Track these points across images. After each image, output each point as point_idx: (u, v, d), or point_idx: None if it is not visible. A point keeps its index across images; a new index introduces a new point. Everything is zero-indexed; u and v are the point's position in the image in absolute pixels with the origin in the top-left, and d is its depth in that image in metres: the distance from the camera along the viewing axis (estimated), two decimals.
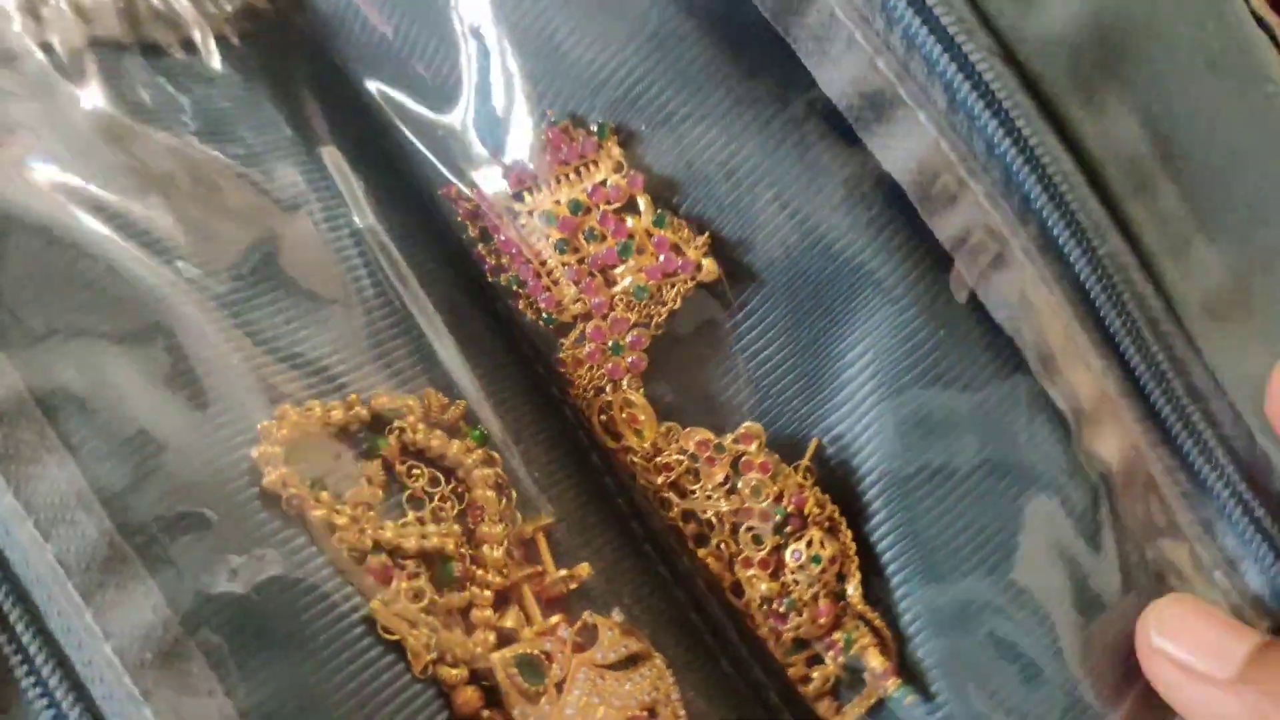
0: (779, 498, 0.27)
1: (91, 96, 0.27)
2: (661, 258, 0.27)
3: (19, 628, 0.22)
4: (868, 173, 0.26)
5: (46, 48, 0.27)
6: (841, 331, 0.27)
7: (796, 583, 0.27)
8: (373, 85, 0.30)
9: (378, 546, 0.26)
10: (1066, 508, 0.26)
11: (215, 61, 0.30)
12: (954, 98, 0.24)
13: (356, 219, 0.29)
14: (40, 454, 0.23)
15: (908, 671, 0.27)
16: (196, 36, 0.30)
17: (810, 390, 0.27)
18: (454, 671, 0.25)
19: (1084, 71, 0.24)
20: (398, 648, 0.25)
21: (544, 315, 0.29)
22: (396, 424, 0.27)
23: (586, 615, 0.27)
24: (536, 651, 0.26)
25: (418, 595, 0.26)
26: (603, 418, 0.29)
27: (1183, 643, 0.25)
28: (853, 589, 0.27)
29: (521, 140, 0.28)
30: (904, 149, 0.25)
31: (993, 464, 0.26)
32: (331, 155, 0.30)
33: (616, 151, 0.28)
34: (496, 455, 0.28)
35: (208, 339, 0.25)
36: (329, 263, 0.28)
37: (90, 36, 0.27)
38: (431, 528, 0.27)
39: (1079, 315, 0.25)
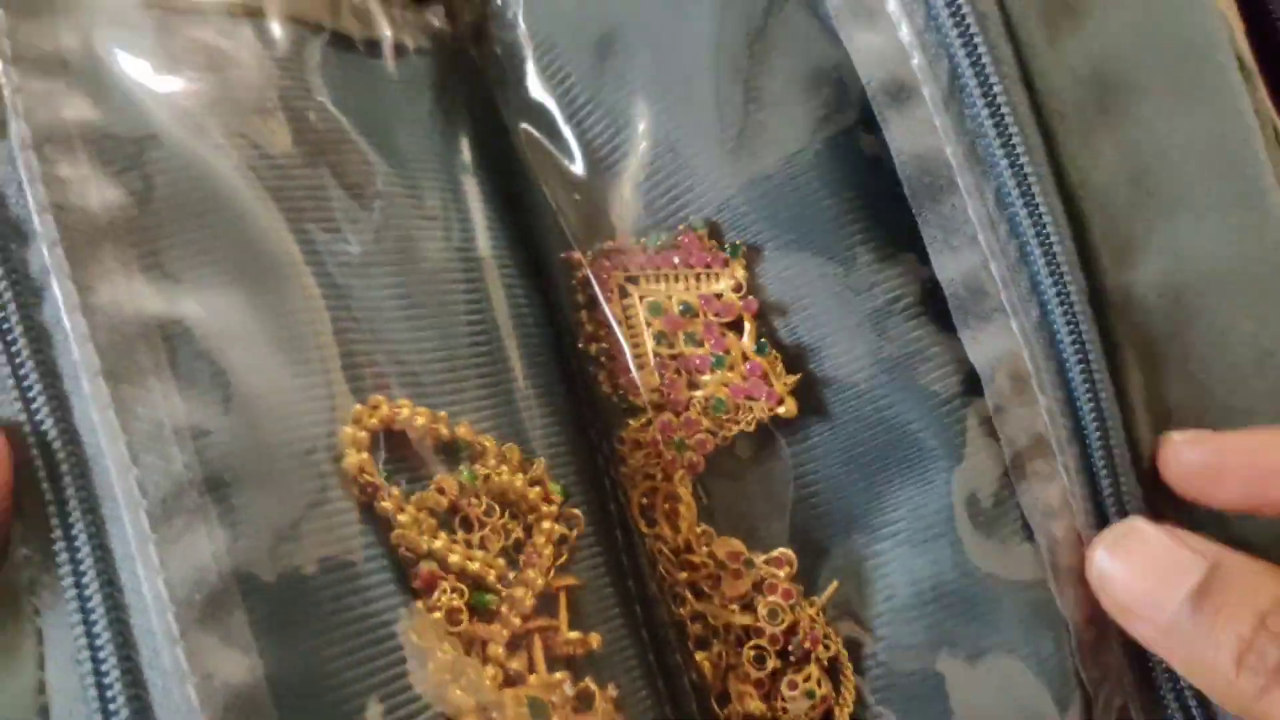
0: (793, 629, 0.29)
1: (275, 66, 0.28)
2: (749, 381, 0.29)
3: (80, 539, 0.23)
4: (950, 360, 0.29)
5: (253, 11, 0.28)
6: (889, 490, 0.29)
7: (786, 710, 0.29)
8: (525, 130, 0.32)
9: (430, 554, 0.27)
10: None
11: (390, 66, 0.31)
12: (1047, 318, 0.27)
13: (480, 248, 0.31)
14: (149, 380, 0.23)
15: None
16: (382, 36, 0.31)
17: (845, 533, 0.29)
18: (463, 697, 0.26)
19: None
20: (419, 655, 0.26)
21: (620, 394, 0.30)
22: (484, 462, 0.28)
23: (588, 681, 0.28)
24: (545, 699, 0.28)
25: (452, 614, 0.27)
26: (644, 501, 0.30)
27: (1134, 569, 0.26)
28: None
29: (657, 230, 0.30)
30: (993, 347, 0.28)
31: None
32: (470, 184, 0.32)
33: (741, 273, 0.30)
34: (576, 513, 0.30)
35: (321, 312, 0.27)
36: (445, 281, 0.30)
37: (290, 13, 0.29)
38: (478, 553, 0.28)
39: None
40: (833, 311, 0.29)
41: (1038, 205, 0.26)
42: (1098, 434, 0.27)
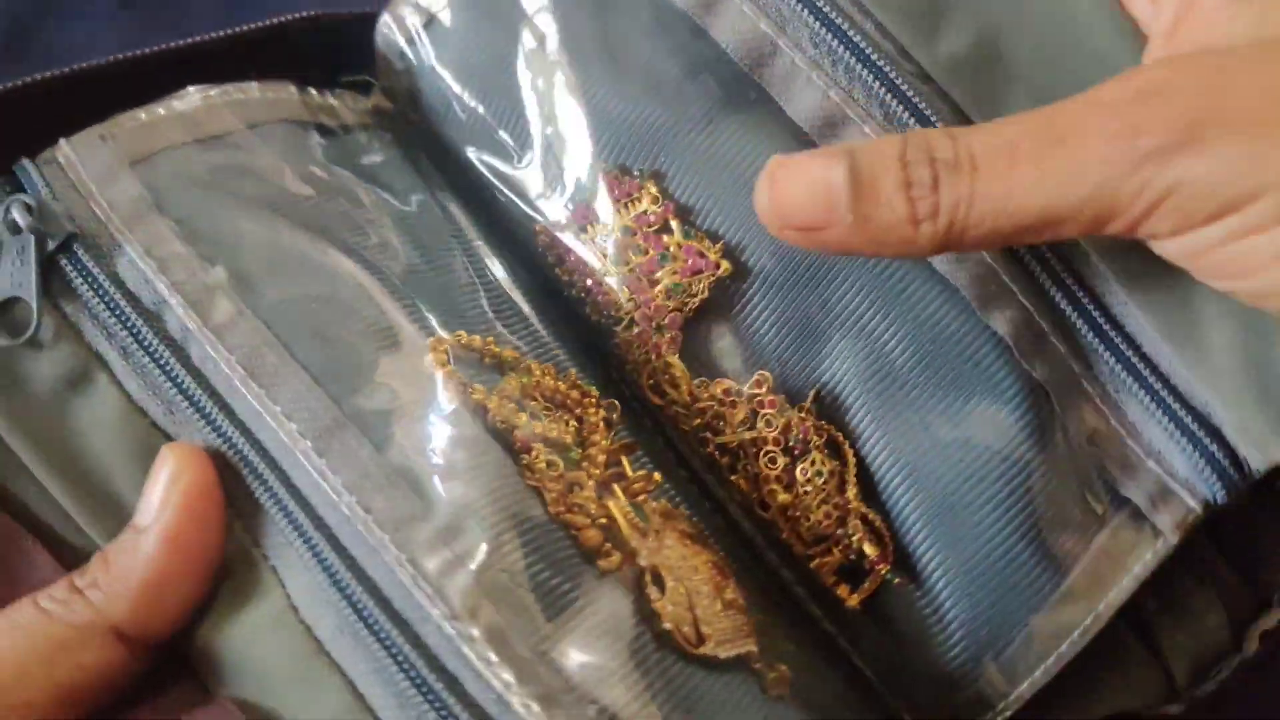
0: (787, 428, 0.36)
1: (285, 156, 0.38)
2: (690, 260, 0.38)
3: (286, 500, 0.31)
4: None
5: (255, 123, 0.38)
6: (826, 314, 0.37)
7: (806, 492, 0.36)
8: (472, 154, 0.41)
9: (520, 426, 0.34)
10: (1014, 416, 0.35)
11: (363, 138, 0.41)
12: (888, 112, 0.35)
13: (470, 236, 0.41)
14: (280, 372, 0.32)
15: (901, 559, 0.36)
16: (348, 122, 0.41)
17: (803, 352, 0.37)
18: (581, 517, 0.32)
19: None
20: (536, 493, 0.32)
21: (605, 314, 0.39)
22: (530, 374, 0.36)
23: (665, 501, 0.36)
24: (644, 502, 0.34)
25: (550, 465, 0.33)
26: (650, 381, 0.39)
27: (795, 191, 0.31)
28: (851, 494, 0.36)
29: (583, 185, 0.39)
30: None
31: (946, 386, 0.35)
32: (449, 198, 0.41)
33: (653, 189, 0.38)
34: (613, 401, 0.38)
35: (373, 284, 0.35)
36: (449, 255, 0.39)
37: (282, 117, 0.39)
38: (557, 425, 0.35)
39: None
40: (725, 190, 0.37)
41: (846, 34, 0.35)
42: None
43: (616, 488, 0.35)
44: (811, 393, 0.37)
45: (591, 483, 0.34)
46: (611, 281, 0.39)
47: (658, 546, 0.33)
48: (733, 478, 0.38)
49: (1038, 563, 0.34)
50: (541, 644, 0.29)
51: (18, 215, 0.32)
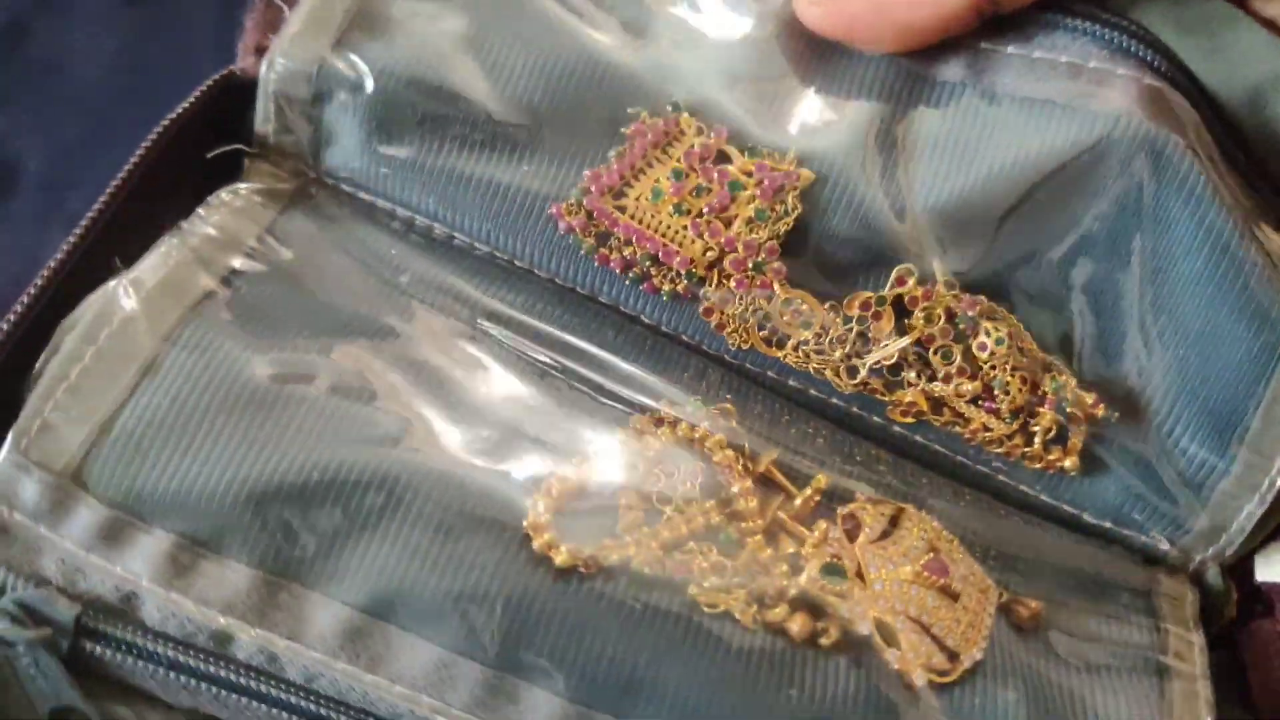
0: (949, 315, 0.32)
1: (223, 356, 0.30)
2: (768, 179, 0.33)
3: None
4: None
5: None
6: None
7: (994, 367, 0.32)
8: (446, 160, 0.33)
9: (666, 549, 0.30)
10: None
11: (321, 195, 0.35)
12: None
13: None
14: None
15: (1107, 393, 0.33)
16: (248, 240, 0.33)
17: (915, 219, 0.32)
18: (777, 610, 0.29)
19: None
20: (725, 616, 0.29)
21: (684, 274, 0.33)
22: (635, 451, 0.31)
23: (840, 510, 0.32)
24: (828, 558, 0.30)
25: (717, 569, 0.30)
26: (763, 332, 0.33)
27: None
28: (1033, 347, 0.32)
29: (602, 143, 0.33)
30: None
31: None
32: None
33: (692, 121, 0.33)
34: (730, 407, 0.33)
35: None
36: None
37: (186, 305, 0.31)
38: (692, 511, 0.30)
39: None
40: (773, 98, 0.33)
41: None
42: None
43: (785, 520, 0.31)
44: (945, 266, 0.33)
45: (765, 555, 0.30)
46: (679, 236, 0.33)
47: (865, 597, 0.30)
48: (896, 394, 0.33)
49: (1255, 332, 0.32)
50: None
51: (6, 627, 0.26)
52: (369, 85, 0.33)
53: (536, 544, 0.29)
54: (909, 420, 0.34)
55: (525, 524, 0.29)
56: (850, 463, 0.33)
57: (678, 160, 0.33)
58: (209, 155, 0.34)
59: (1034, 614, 0.32)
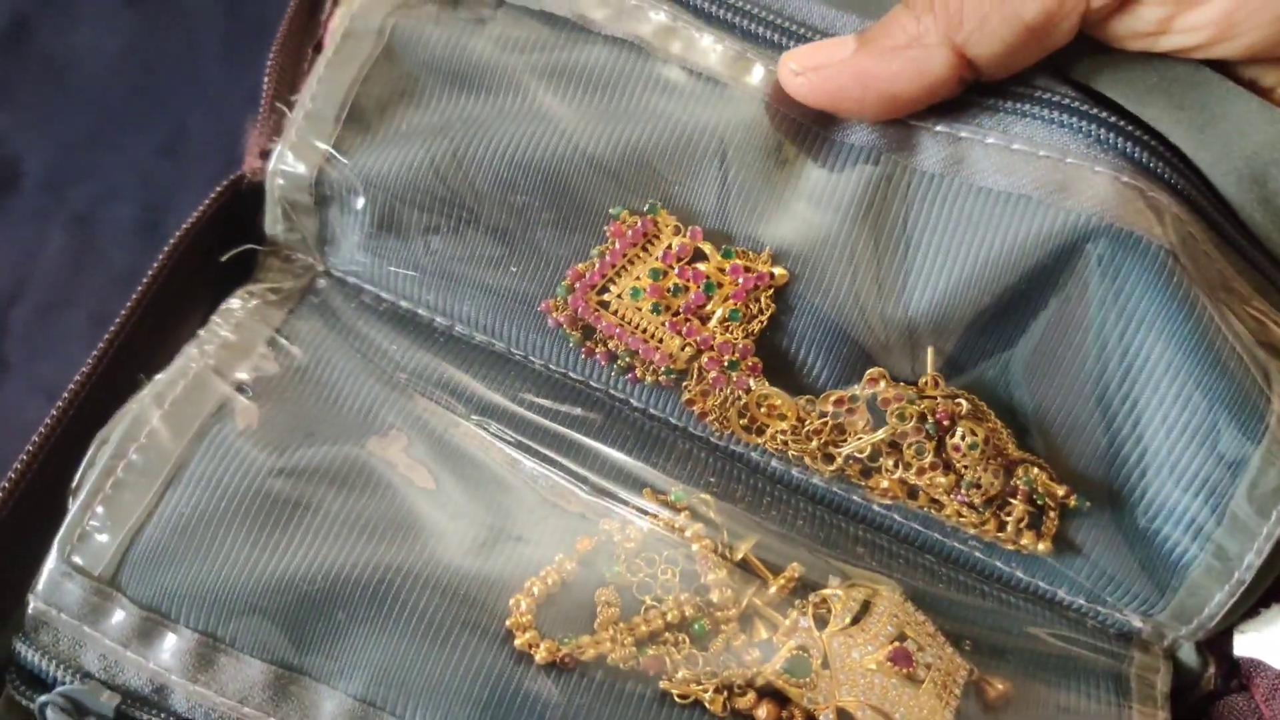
0: (922, 416, 0.33)
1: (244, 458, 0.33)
2: (742, 279, 0.33)
3: None
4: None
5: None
6: (901, 275, 0.33)
7: (967, 466, 0.33)
8: (433, 257, 0.35)
9: (640, 644, 0.32)
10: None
11: (325, 285, 0.37)
12: None
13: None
14: None
15: (1077, 486, 0.33)
16: (257, 347, 0.35)
17: (889, 311, 0.33)
18: (746, 699, 0.31)
19: None
20: (696, 705, 0.31)
21: (662, 370, 0.34)
22: (616, 543, 0.33)
23: (813, 597, 0.33)
24: (793, 652, 0.32)
25: (689, 660, 0.32)
26: (742, 421, 0.34)
27: (807, 55, 0.33)
28: (1011, 448, 0.33)
29: (585, 242, 0.34)
30: None
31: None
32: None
33: (670, 220, 0.34)
34: (709, 497, 0.34)
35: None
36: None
37: (207, 413, 0.33)
38: (668, 604, 0.32)
39: None
40: (754, 196, 0.34)
41: None
42: None
43: (760, 606, 0.33)
44: (929, 353, 0.33)
45: (738, 643, 0.32)
46: (658, 333, 0.34)
47: (830, 685, 0.32)
48: (869, 481, 0.34)
49: (1229, 424, 0.32)
50: None
51: (54, 718, 0.30)
52: (361, 193, 0.34)
53: (518, 642, 0.31)
54: (888, 501, 0.35)
55: (509, 623, 0.31)
56: (829, 544, 0.35)
57: (656, 259, 0.34)
58: (224, 258, 0.36)
59: (1001, 694, 0.33)
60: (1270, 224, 0.33)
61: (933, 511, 0.34)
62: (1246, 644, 0.35)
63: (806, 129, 0.34)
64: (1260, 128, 0.32)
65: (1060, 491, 0.33)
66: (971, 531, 0.34)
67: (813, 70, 0.33)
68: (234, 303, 0.35)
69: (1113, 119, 0.32)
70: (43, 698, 0.30)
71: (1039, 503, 0.33)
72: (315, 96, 0.34)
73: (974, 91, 0.34)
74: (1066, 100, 0.33)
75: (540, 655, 0.31)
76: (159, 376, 0.33)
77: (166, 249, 0.35)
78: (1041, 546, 0.34)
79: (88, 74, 0.55)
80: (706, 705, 0.31)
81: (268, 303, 0.35)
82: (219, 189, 0.36)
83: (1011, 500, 0.34)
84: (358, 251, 0.35)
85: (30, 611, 0.31)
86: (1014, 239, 0.32)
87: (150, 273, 0.35)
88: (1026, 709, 0.33)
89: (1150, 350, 0.32)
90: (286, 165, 0.35)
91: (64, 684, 0.31)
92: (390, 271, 0.35)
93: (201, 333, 0.34)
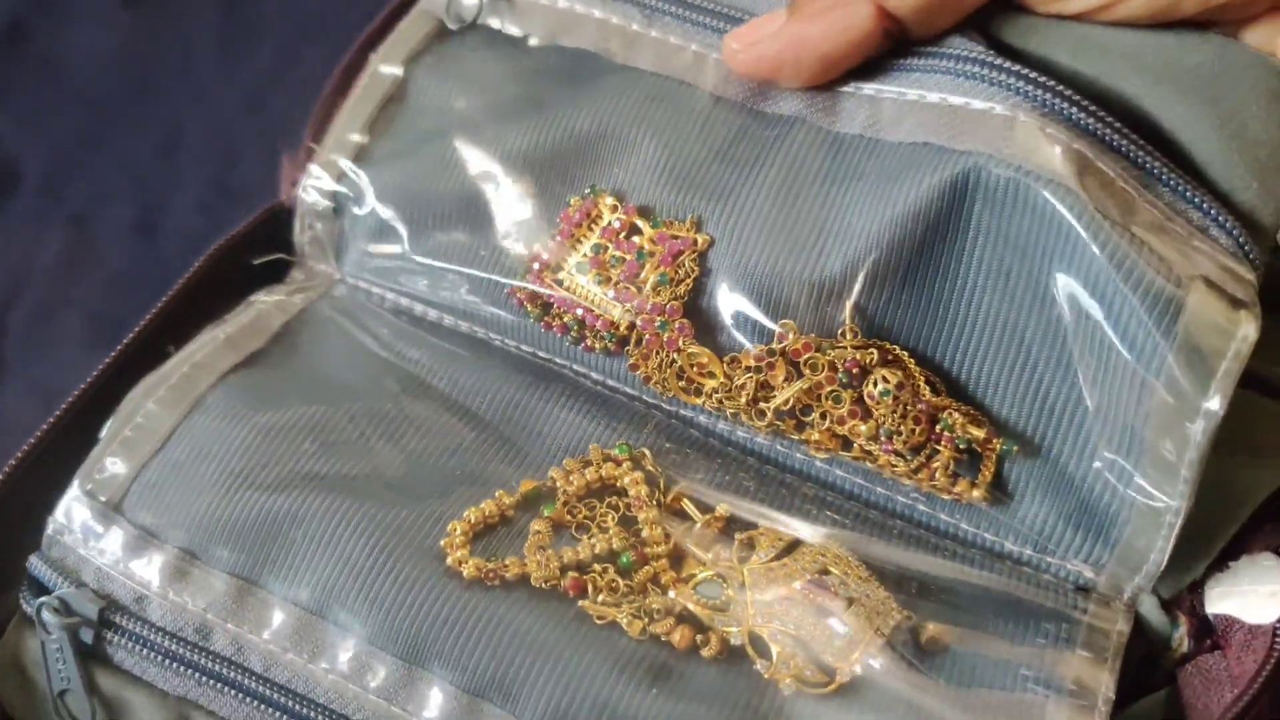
0: (833, 365, 0.34)
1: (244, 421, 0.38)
2: (668, 246, 0.36)
3: None
4: None
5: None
6: (821, 232, 0.35)
7: (884, 413, 0.34)
8: (422, 262, 0.40)
9: (564, 569, 0.34)
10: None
11: (342, 290, 0.42)
12: None
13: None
14: None
15: (1006, 432, 0.33)
16: (273, 327, 0.41)
17: (815, 282, 0.34)
18: (663, 624, 0.33)
19: None
20: (614, 626, 0.33)
21: (605, 336, 0.37)
22: (559, 488, 0.36)
23: (739, 535, 0.34)
24: (712, 577, 0.33)
25: (612, 587, 0.34)
26: (680, 383, 0.36)
27: (745, 33, 0.36)
28: (926, 393, 0.34)
29: (542, 228, 0.38)
30: None
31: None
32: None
33: (608, 200, 0.37)
34: (644, 452, 0.36)
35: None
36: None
37: (221, 371, 0.39)
38: (598, 538, 0.35)
39: None
40: (674, 169, 0.37)
41: None
42: None
43: (689, 544, 0.34)
44: (845, 315, 0.34)
45: (667, 579, 0.34)
46: (601, 302, 0.37)
47: (744, 612, 0.33)
48: (803, 434, 0.35)
49: (1144, 366, 0.31)
50: None
51: (48, 617, 0.34)
52: (369, 201, 0.40)
53: (449, 560, 0.34)
54: (825, 455, 0.35)
55: (442, 543, 0.34)
56: (776, 499, 0.36)
57: (598, 237, 0.37)
58: (257, 261, 0.42)
59: (933, 638, 0.33)
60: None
61: (868, 463, 0.35)
62: (1217, 600, 0.32)
63: (739, 105, 0.36)
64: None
65: (981, 434, 0.33)
66: (907, 483, 0.34)
67: (751, 44, 0.36)
68: (260, 295, 0.41)
69: (1018, 68, 0.33)
70: (39, 600, 0.35)
71: (965, 449, 0.33)
72: (343, 126, 0.41)
73: (896, 54, 0.36)
74: (977, 55, 0.34)
75: (468, 571, 0.34)
76: (184, 348, 0.39)
77: (204, 255, 0.42)
78: (976, 493, 0.34)
79: (84, 75, 0.55)
80: (624, 628, 0.33)
81: (286, 298, 0.41)
82: (260, 212, 0.42)
83: (937, 447, 0.34)
84: (362, 254, 0.41)
85: (48, 531, 0.36)
86: (921, 188, 0.33)
87: (187, 273, 0.41)
88: (966, 655, 0.32)
89: (1059, 285, 0.32)
90: (314, 179, 0.41)
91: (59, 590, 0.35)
92: (386, 268, 0.40)
93: (226, 317, 0.40)
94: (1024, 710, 0.31)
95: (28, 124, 0.56)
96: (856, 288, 0.34)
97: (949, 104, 0.34)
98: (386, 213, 0.40)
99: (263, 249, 0.42)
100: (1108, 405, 0.32)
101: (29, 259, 0.39)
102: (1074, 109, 0.33)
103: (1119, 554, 0.33)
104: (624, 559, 0.34)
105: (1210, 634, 0.33)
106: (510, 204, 0.38)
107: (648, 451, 0.37)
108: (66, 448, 0.37)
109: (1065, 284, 0.32)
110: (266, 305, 0.41)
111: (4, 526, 0.37)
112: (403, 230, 0.40)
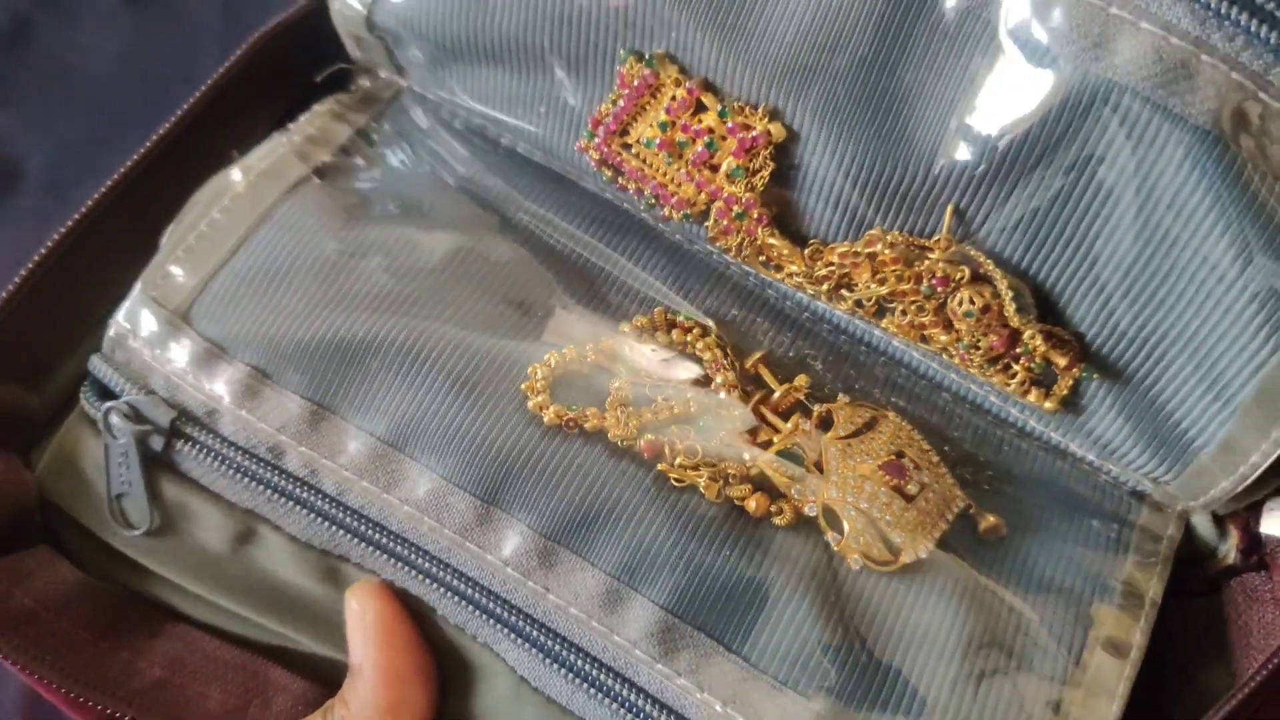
0: (918, 278, 0.33)
1: (312, 231, 0.37)
2: (739, 137, 0.33)
3: None
4: None
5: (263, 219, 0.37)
6: (904, 144, 0.31)
7: (966, 330, 0.33)
8: (468, 97, 0.37)
9: (642, 430, 0.34)
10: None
11: (360, 160, 0.39)
12: None
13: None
14: None
15: (1092, 356, 0.32)
16: (341, 140, 0.39)
17: (899, 170, 0.32)
18: (739, 489, 0.33)
19: None
20: (691, 489, 0.33)
21: (683, 213, 0.35)
22: (629, 342, 0.35)
23: (818, 407, 0.34)
24: (790, 445, 0.34)
25: (689, 451, 0.33)
26: (761, 259, 0.35)
27: None
28: (1014, 318, 0.32)
29: (604, 86, 0.35)
30: None
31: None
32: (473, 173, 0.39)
33: (673, 72, 0.34)
34: (710, 323, 0.36)
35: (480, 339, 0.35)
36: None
37: (282, 189, 0.37)
38: (676, 400, 0.34)
39: None
40: (745, 46, 0.33)
41: None
42: None
43: (765, 411, 0.34)
44: (947, 214, 0.32)
45: (740, 443, 0.34)
46: (676, 179, 0.35)
47: (820, 484, 0.33)
48: (883, 322, 0.34)
49: (1258, 306, 0.29)
50: (743, 645, 0.31)
51: (116, 421, 0.33)
52: (404, 34, 0.37)
53: (530, 404, 0.34)
54: (902, 340, 0.35)
55: (523, 386, 0.34)
56: (845, 377, 0.36)
57: (662, 111, 0.34)
58: (319, 77, 0.40)
59: (992, 527, 0.34)
60: None
61: (945, 356, 0.34)
62: (1274, 520, 0.33)
63: None
64: None
65: (1063, 361, 0.32)
66: (983, 378, 0.34)
67: None
68: (325, 103, 0.39)
69: None
70: (108, 404, 0.33)
71: (1039, 370, 0.33)
72: None
73: None
74: None
75: (549, 417, 0.33)
76: (250, 154, 0.38)
77: (247, 43, 0.39)
78: (1048, 404, 0.33)
79: (88, 75, 0.54)
80: (701, 490, 0.33)
81: (353, 107, 0.39)
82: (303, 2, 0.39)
83: (1014, 365, 0.33)
84: (426, 76, 0.38)
85: (110, 334, 0.34)
86: (1037, 96, 0.30)
87: (229, 61, 0.38)
88: (1020, 545, 0.33)
89: (1181, 222, 0.29)
90: (339, 4, 0.38)
91: (129, 396, 0.34)
92: (455, 97, 0.38)
93: (290, 125, 0.38)
94: (1073, 604, 0.32)
95: (32, 123, 0.54)
96: (957, 194, 0.31)
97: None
98: (432, 47, 0.37)
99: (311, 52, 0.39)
100: (1213, 348, 0.30)
101: (32, 256, 0.39)
102: (1241, 35, 0.28)
103: (1183, 481, 0.33)
104: (702, 423, 0.34)
105: (1259, 550, 0.33)
106: (557, 55, 0.35)
107: (712, 324, 0.36)
108: (96, 244, 0.36)
109: (1189, 223, 0.29)
110: (332, 114, 0.39)
111: (33, 321, 0.36)
112: (454, 65, 0.37)
